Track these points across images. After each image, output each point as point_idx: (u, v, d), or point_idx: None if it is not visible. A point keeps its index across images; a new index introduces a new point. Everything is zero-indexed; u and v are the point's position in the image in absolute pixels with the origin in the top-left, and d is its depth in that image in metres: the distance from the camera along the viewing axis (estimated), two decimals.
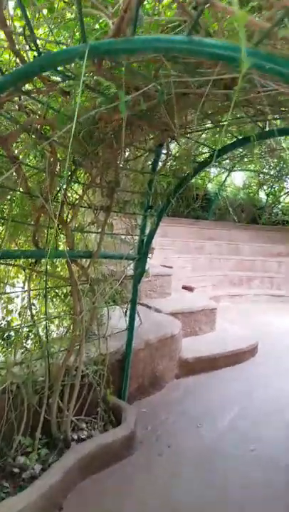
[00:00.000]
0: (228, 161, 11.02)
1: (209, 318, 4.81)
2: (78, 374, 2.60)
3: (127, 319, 3.14)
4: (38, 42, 1.47)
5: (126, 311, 3.13)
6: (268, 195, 12.11)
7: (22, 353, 2.21)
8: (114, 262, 3.36)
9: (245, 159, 11.06)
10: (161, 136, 2.47)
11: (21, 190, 2.07)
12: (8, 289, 2.55)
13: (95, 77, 1.69)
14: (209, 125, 2.57)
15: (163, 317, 4.10)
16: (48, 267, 2.42)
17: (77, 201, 2.44)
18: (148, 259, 3.07)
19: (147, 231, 3.13)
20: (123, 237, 3.14)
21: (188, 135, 2.53)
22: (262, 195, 12.56)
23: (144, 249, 3.03)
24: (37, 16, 1.68)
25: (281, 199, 12.43)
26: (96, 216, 2.68)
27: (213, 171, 11.49)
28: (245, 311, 7.50)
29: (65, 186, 2.29)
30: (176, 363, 3.76)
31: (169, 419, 3.05)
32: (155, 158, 2.74)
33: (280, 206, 12.54)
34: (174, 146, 2.81)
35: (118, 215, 2.90)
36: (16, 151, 2.09)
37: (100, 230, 2.69)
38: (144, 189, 2.84)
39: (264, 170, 11.66)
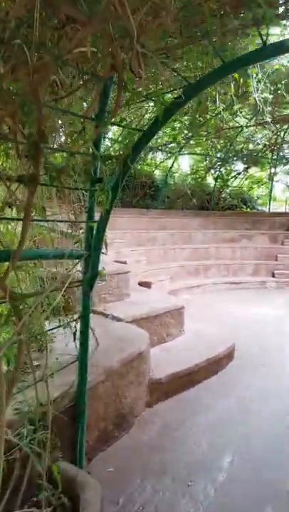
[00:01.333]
0: (174, 144, 10.36)
1: (177, 320, 4.01)
2: (0, 449, 1.59)
3: (78, 344, 2.16)
4: None
5: (75, 333, 2.15)
6: (215, 179, 11.70)
7: None
8: (55, 264, 2.38)
9: (192, 141, 10.50)
10: (110, 58, 1.52)
11: None
12: None
13: None
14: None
15: (124, 328, 3.20)
16: None
17: None
18: (102, 255, 2.12)
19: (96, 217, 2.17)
20: (63, 226, 2.15)
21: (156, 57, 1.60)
22: (210, 180, 12.14)
23: (94, 242, 2.08)
24: None
25: (229, 183, 12.13)
26: (13, 193, 1.65)
27: (159, 155, 10.76)
28: (207, 304, 6.89)
29: None
30: (147, 388, 2.89)
31: (147, 480, 2.17)
32: (102, 99, 1.78)
33: (228, 190, 12.25)
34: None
35: (50, 191, 1.90)
36: None
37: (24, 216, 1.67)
38: (87, 149, 1.87)
39: (210, 153, 11.20)
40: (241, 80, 5.63)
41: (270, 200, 12.18)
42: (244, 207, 12.62)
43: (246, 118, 9.28)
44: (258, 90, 6.37)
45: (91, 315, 2.26)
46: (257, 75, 5.98)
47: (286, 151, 10.68)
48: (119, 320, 3.35)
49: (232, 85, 5.49)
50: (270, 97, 6.55)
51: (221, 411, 2.89)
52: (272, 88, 6.61)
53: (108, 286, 3.96)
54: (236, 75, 5.25)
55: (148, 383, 2.89)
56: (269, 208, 12.22)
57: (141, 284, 6.78)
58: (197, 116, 9.05)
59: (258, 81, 6.50)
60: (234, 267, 9.59)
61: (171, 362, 3.31)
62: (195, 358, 3.40)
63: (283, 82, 6.50)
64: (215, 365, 3.48)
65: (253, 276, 9.38)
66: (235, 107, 7.42)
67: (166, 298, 4.68)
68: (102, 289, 3.85)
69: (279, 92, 7.45)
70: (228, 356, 3.74)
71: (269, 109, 6.34)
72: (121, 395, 2.52)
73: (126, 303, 4.00)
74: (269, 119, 8.19)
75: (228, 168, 11.67)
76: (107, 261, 6.08)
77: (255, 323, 5.37)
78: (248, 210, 12.64)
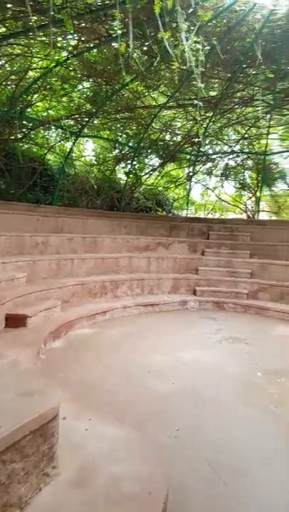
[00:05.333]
0: (72, 122, 7.97)
1: (39, 454, 1.64)
2: None
3: None
4: None
5: None
6: (127, 174, 9.65)
7: None
8: None
9: (96, 121, 8.26)
10: None
11: None
12: None
13: None
14: None
15: None
16: None
17: None
18: None
19: None
20: None
21: None
22: (121, 175, 10.07)
23: None
24: None
25: (142, 180, 10.21)
26: None
27: (52, 135, 8.20)
28: (113, 346, 4.59)
29: None
30: None
31: None
32: None
33: (141, 189, 10.34)
34: None
35: None
36: None
37: None
38: None
39: (121, 139, 9.13)
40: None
41: (187, 204, 10.72)
42: (159, 210, 10.91)
43: (165, 95, 7.45)
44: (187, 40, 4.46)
45: None
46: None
47: (207, 146, 9.25)
48: None
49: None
50: (202, 53, 4.69)
51: None
52: (206, 44, 4.77)
53: None
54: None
55: None
56: (187, 213, 10.74)
57: (9, 319, 4.21)
58: (104, 83, 6.86)
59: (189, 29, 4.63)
60: (150, 283, 7.61)
61: None
62: None
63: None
64: None
65: (172, 295, 7.55)
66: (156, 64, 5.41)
67: (21, 389, 2.19)
68: None
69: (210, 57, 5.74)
70: None
71: (201, 69, 4.50)
72: None
73: None
74: (195, 98, 6.49)
75: (142, 162, 9.75)
76: None
77: (189, 397, 3.13)
78: (164, 213, 10.97)
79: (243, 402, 3.10)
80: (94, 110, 7.54)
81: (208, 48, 5.10)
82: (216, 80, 6.97)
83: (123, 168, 9.63)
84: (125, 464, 1.89)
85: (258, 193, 9.80)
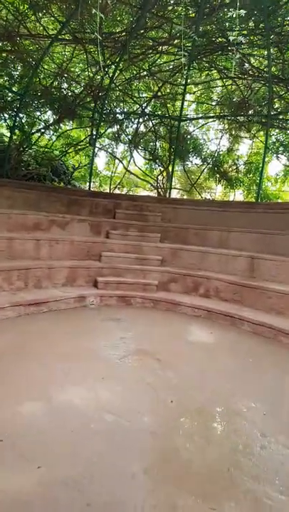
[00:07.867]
0: None
1: None
2: None
3: None
4: None
5: None
6: (11, 129, 7.40)
7: None
8: None
9: None
10: None
11: None
12: None
13: None
14: None
15: None
16: None
17: None
18: None
19: None
20: None
21: None
22: (4, 130, 7.75)
23: None
24: None
25: (33, 140, 8.05)
26: None
27: None
28: None
29: None
30: None
31: None
32: None
33: (31, 151, 8.20)
34: None
35: None
36: None
37: None
38: None
39: (1, 81, 6.83)
40: None
41: (90, 175, 9.01)
42: (56, 180, 8.97)
43: (59, 21, 5.53)
44: None
45: None
46: None
47: (114, 103, 7.60)
48: None
49: None
50: None
51: None
52: None
53: None
54: None
55: None
56: (90, 186, 9.05)
57: None
58: None
59: None
60: (38, 273, 5.84)
61: None
62: None
63: None
64: None
65: (68, 288, 5.96)
66: None
67: None
68: None
69: None
70: None
71: None
72: None
73: None
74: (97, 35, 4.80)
75: (32, 115, 7.60)
76: None
77: None
78: (62, 184, 9.09)
79: None
80: None
81: None
82: (124, 9, 5.32)
83: (6, 121, 7.34)
84: None
85: (170, 168, 8.66)
